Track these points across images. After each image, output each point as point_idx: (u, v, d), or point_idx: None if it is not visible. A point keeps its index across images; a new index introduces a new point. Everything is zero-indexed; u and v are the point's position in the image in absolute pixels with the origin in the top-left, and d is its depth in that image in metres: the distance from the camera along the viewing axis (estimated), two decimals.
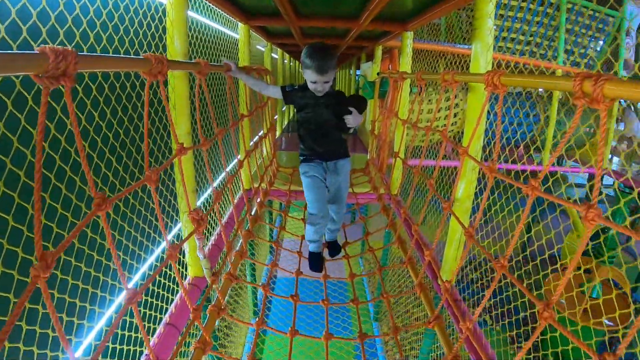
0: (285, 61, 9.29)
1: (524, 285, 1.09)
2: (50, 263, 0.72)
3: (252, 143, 3.01)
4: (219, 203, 1.70)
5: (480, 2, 1.77)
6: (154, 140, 2.29)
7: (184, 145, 1.90)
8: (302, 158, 2.19)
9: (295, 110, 2.20)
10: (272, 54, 6.13)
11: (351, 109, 2.02)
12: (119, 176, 1.93)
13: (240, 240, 2.16)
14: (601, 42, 6.59)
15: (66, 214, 1.50)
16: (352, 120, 2.02)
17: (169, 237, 2.55)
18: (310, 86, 1.99)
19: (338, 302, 2.09)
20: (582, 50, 6.37)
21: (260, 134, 3.52)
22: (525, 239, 6.35)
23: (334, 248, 2.51)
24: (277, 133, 7.29)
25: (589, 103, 0.83)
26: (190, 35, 3.02)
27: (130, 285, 2.08)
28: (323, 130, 2.11)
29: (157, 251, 2.35)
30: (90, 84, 1.69)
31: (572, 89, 0.86)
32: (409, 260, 2.10)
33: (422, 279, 1.92)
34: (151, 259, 2.26)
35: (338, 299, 3.64)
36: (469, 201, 1.96)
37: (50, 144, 1.45)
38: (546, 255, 2.92)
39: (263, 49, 6.13)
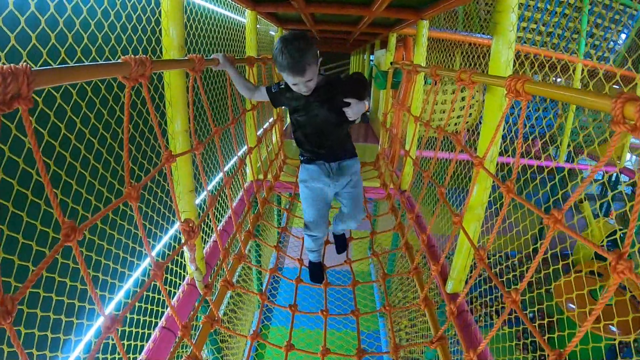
0: None
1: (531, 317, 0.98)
2: (12, 308, 0.65)
3: (259, 133, 2.90)
4: (216, 205, 1.61)
5: None
6: (147, 141, 2.15)
7: (182, 142, 1.82)
8: (302, 158, 1.95)
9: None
10: None
11: (349, 100, 1.71)
12: (106, 183, 1.82)
13: (239, 243, 2.05)
14: (624, 36, 6.33)
15: (47, 230, 1.40)
16: (352, 112, 1.73)
17: (167, 237, 2.45)
18: (293, 88, 1.69)
19: (340, 310, 2.01)
20: (604, 44, 6.11)
21: (265, 125, 3.40)
22: (538, 236, 6.20)
23: (341, 242, 2.34)
24: (288, 120, 7.15)
25: (631, 131, 0.70)
26: (192, 26, 2.88)
27: (122, 292, 2.02)
28: (322, 133, 1.84)
29: (146, 262, 2.25)
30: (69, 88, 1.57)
31: (610, 112, 0.73)
32: (415, 269, 1.98)
33: (428, 293, 1.80)
34: (144, 264, 2.18)
35: (342, 300, 3.57)
36: (482, 209, 1.83)
37: (26, 157, 1.33)
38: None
39: (274, 34, 5.96)
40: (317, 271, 2.16)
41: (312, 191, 1.92)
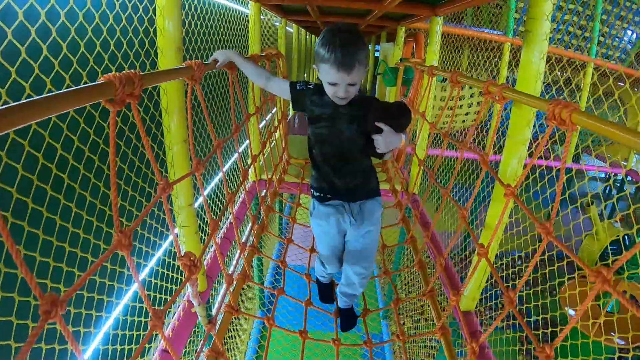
0: (304, 37, 8.81)
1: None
2: None
3: (261, 125, 2.72)
4: (215, 210, 1.47)
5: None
6: (141, 156, 1.94)
7: (179, 154, 1.66)
8: (314, 193, 1.60)
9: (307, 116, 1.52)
10: (287, 28, 5.76)
11: (383, 126, 1.35)
12: (95, 212, 1.63)
13: (243, 261, 1.91)
14: (635, 35, 6.19)
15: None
16: (383, 143, 1.36)
17: (159, 253, 2.28)
18: (329, 90, 1.33)
19: (351, 338, 1.86)
20: (616, 43, 5.97)
21: (267, 117, 3.23)
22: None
23: (347, 318, 1.86)
24: (291, 111, 6.94)
25: None
26: (191, 23, 2.69)
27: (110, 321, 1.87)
28: (343, 156, 1.48)
29: (134, 287, 2.10)
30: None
31: None
32: (430, 292, 1.84)
33: (445, 322, 1.67)
34: (132, 289, 2.01)
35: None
36: (501, 229, 1.70)
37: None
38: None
39: (278, 24, 5.76)
40: (326, 292, 1.98)
41: (324, 231, 1.61)
